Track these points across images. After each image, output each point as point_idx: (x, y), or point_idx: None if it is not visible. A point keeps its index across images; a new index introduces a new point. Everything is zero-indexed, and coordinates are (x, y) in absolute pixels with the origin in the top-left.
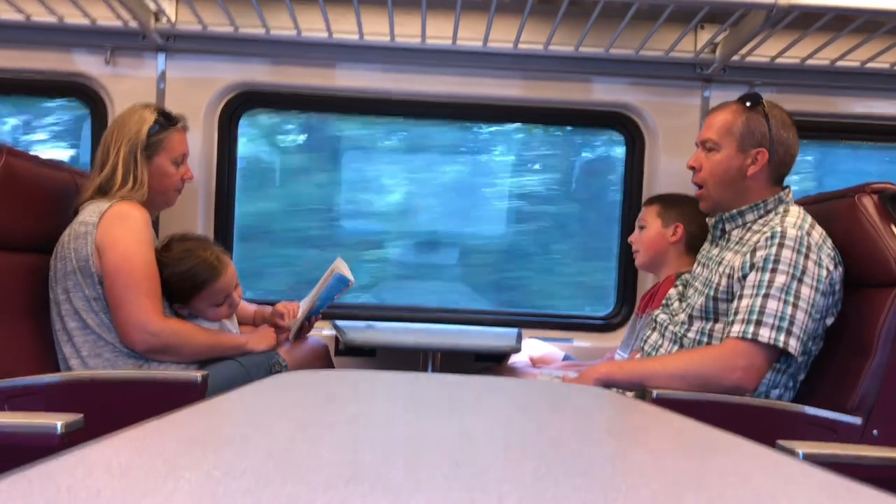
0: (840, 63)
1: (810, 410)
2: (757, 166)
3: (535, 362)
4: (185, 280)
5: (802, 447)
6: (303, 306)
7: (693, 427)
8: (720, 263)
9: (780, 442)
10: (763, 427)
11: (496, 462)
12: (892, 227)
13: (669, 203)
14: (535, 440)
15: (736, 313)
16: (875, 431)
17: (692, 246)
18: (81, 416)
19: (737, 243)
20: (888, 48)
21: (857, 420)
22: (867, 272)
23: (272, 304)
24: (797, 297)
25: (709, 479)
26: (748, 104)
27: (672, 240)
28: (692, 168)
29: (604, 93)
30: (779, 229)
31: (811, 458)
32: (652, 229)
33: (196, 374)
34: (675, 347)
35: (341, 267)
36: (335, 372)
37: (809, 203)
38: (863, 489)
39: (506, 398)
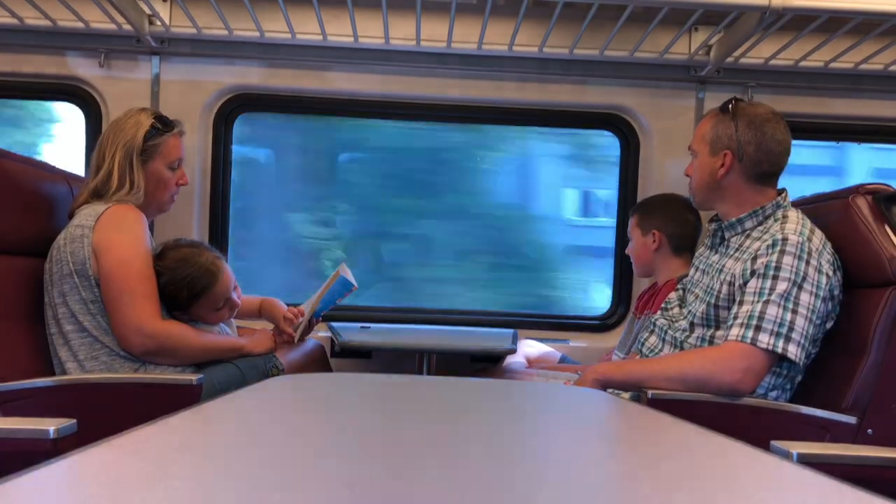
0: (834, 65)
1: (805, 410)
2: (724, 168)
3: (531, 363)
4: (181, 289)
5: (797, 448)
6: (306, 308)
7: (686, 429)
8: (721, 271)
9: (775, 442)
10: (758, 427)
11: (490, 466)
12: (886, 227)
13: (645, 211)
14: (528, 443)
15: (735, 318)
16: (870, 430)
17: (678, 247)
18: (74, 420)
19: (737, 250)
20: (881, 50)
21: (852, 419)
22: (861, 272)
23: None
24: (797, 303)
25: (701, 481)
26: (728, 109)
27: (653, 247)
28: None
29: (599, 95)
30: (780, 236)
31: (805, 459)
32: (635, 240)
33: (192, 378)
34: (675, 352)
35: (345, 271)
36: (330, 375)
37: (803, 204)
38: (853, 491)
39: (500, 401)
